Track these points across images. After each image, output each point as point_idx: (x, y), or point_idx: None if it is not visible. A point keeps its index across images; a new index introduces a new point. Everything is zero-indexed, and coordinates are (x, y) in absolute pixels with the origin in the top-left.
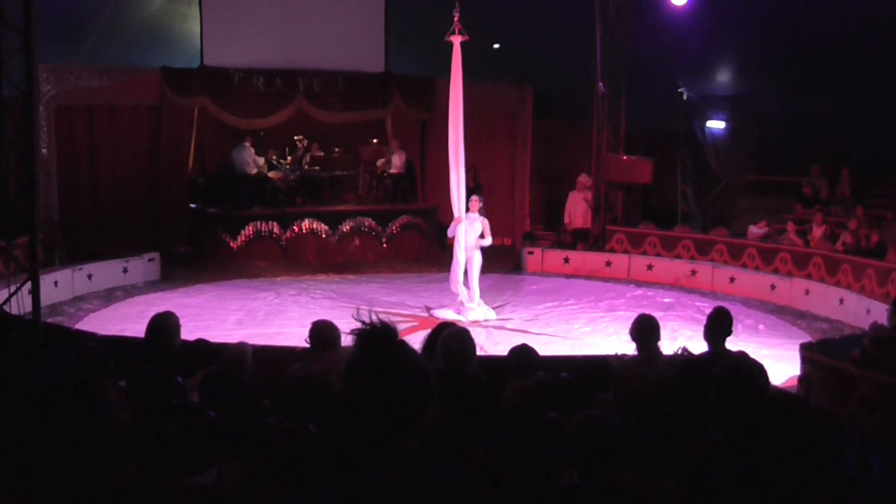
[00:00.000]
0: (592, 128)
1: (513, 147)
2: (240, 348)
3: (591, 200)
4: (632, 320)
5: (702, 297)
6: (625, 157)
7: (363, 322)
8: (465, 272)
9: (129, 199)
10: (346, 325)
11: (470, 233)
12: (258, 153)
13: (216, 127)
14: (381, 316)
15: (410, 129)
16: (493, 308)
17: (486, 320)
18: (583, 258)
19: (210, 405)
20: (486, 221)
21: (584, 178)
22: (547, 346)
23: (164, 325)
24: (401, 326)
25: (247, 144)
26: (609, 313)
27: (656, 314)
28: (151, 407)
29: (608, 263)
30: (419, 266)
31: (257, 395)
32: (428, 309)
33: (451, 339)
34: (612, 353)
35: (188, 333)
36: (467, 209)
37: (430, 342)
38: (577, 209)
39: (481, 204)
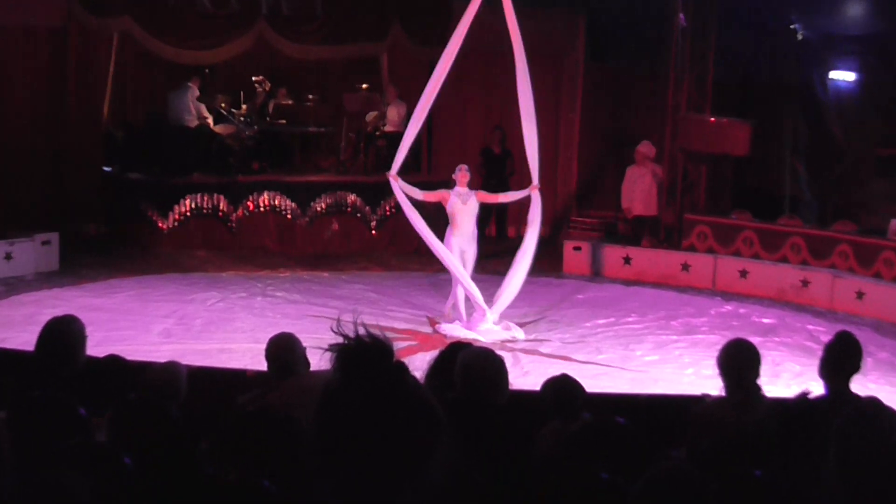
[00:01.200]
0: (667, 77)
1: (556, 100)
2: (169, 370)
3: (661, 178)
4: (719, 347)
5: (816, 317)
6: (712, 119)
7: (345, 336)
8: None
9: (18, 157)
10: (319, 341)
11: (466, 216)
12: (202, 100)
13: (144, 60)
14: (372, 329)
15: (415, 71)
16: (522, 324)
17: (511, 341)
18: (650, 258)
19: (125, 448)
20: (481, 193)
21: (645, 148)
22: (597, 380)
23: (62, 334)
24: (396, 345)
25: (191, 85)
26: (685, 336)
27: (753, 339)
28: (42, 448)
29: (685, 266)
30: (421, 262)
31: (191, 436)
32: (432, 322)
33: (475, 360)
34: (689, 391)
35: (96, 347)
36: (452, 185)
37: (438, 368)
38: (637, 189)
39: (469, 175)
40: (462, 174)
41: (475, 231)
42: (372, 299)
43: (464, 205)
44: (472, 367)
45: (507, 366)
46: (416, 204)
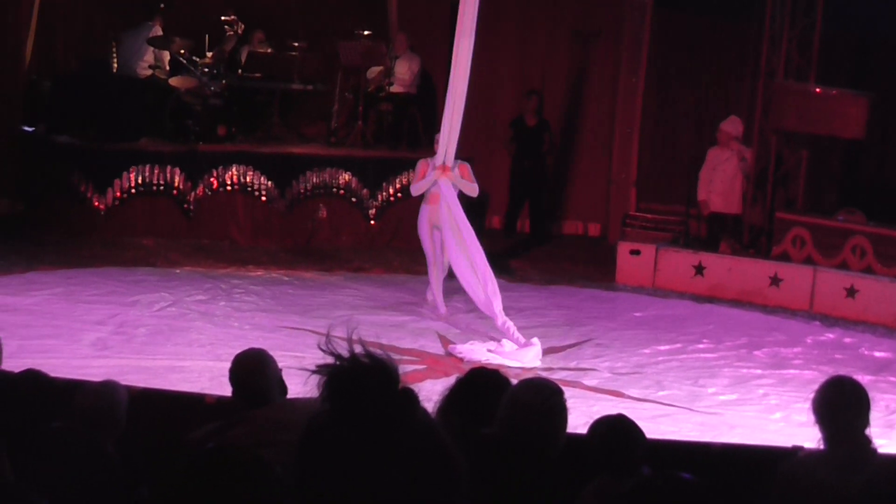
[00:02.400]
0: (760, 32)
1: (613, 59)
2: (106, 392)
3: (749, 165)
4: (816, 386)
5: None
6: (817, 90)
7: (336, 355)
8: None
9: None
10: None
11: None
12: (158, 44)
13: None
14: (371, 347)
15: (432, 14)
16: (560, 349)
17: (546, 370)
18: (729, 267)
19: (43, 490)
20: (465, 167)
21: (731, 126)
22: (656, 423)
23: None
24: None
25: (151, 24)
26: (772, 370)
27: (861, 378)
28: None
29: (775, 280)
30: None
31: (130, 478)
32: (444, 342)
33: (529, 393)
34: (776, 441)
35: (9, 359)
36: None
37: (454, 401)
38: (718, 178)
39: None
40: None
41: (456, 210)
42: (367, 308)
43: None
44: (525, 402)
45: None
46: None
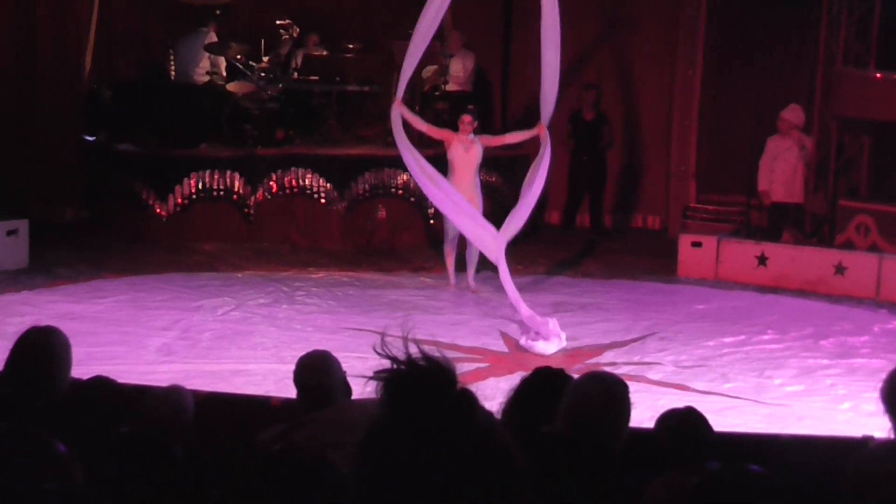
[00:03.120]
0: (818, 18)
1: (670, 49)
2: (173, 396)
3: (810, 153)
4: (885, 375)
5: None
6: (878, 75)
7: (392, 358)
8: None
9: None
10: (361, 363)
11: (466, 165)
12: (215, 50)
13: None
14: (428, 348)
15: (484, 10)
16: (623, 343)
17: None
18: (793, 257)
19: (114, 495)
20: (485, 137)
21: (792, 114)
22: (723, 415)
23: (40, 350)
24: (461, 367)
25: (206, 30)
26: (839, 360)
27: None
28: (7, 494)
29: (840, 268)
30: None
31: (198, 481)
32: (507, 340)
33: (591, 383)
34: (845, 432)
35: (76, 366)
36: (456, 129)
37: (520, 400)
38: (779, 167)
39: (476, 123)
40: (465, 123)
41: (477, 183)
42: (430, 309)
43: (465, 153)
44: (586, 394)
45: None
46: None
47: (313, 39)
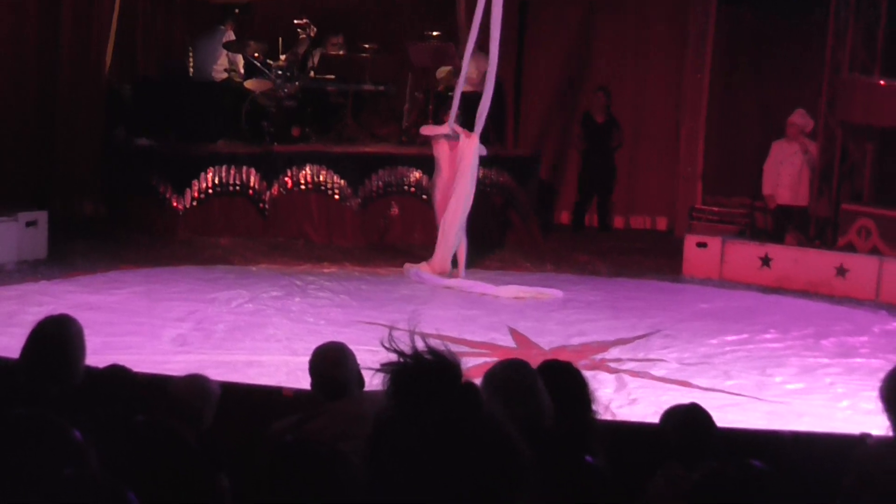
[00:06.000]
0: (825, 25)
1: (678, 54)
2: (197, 385)
3: (814, 158)
4: (883, 374)
5: None
6: (882, 82)
7: (400, 352)
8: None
9: None
10: (371, 356)
11: (448, 163)
12: (233, 48)
13: None
14: (433, 342)
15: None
16: (628, 341)
17: (615, 361)
18: (795, 259)
19: (127, 480)
20: (474, 136)
21: (800, 118)
22: (725, 412)
23: (56, 338)
24: (467, 361)
25: (224, 29)
26: (839, 359)
27: None
28: (25, 479)
29: (841, 270)
30: (502, 257)
31: (213, 469)
32: (516, 335)
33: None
34: (844, 429)
35: (93, 355)
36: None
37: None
38: (785, 171)
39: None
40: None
41: (468, 188)
42: (439, 303)
43: (450, 151)
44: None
45: (606, 394)
46: None
47: (331, 39)
